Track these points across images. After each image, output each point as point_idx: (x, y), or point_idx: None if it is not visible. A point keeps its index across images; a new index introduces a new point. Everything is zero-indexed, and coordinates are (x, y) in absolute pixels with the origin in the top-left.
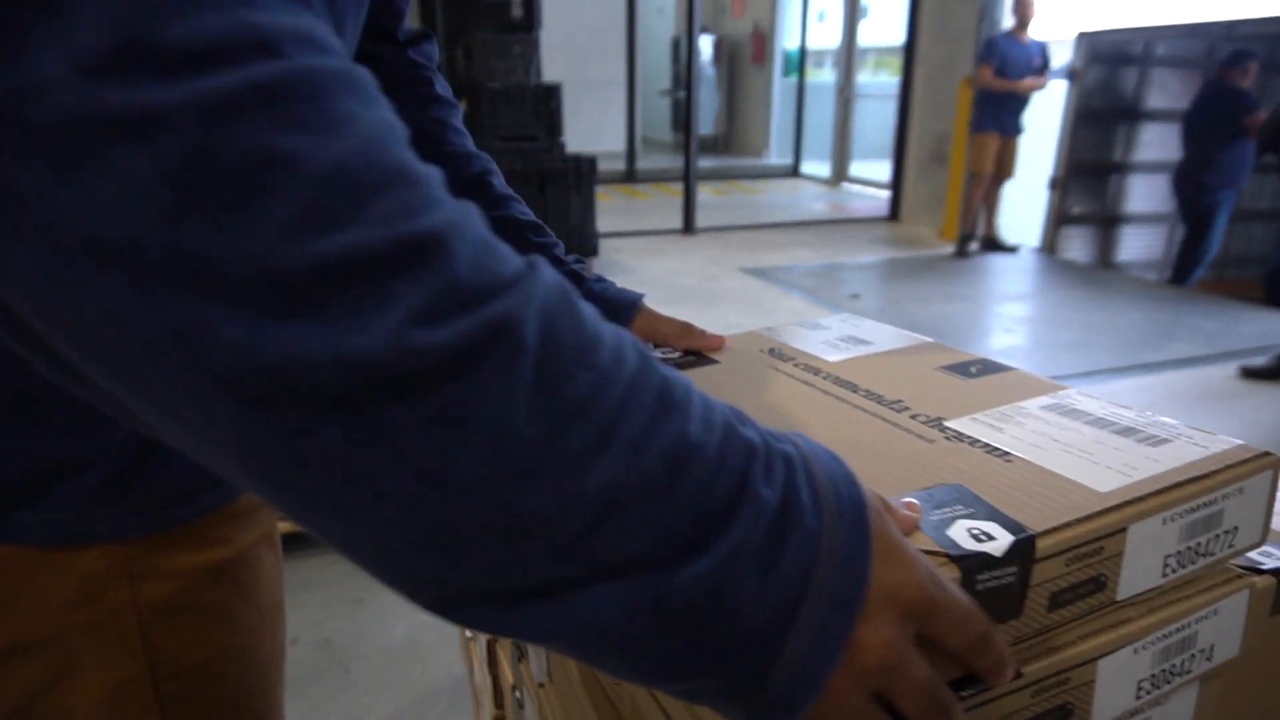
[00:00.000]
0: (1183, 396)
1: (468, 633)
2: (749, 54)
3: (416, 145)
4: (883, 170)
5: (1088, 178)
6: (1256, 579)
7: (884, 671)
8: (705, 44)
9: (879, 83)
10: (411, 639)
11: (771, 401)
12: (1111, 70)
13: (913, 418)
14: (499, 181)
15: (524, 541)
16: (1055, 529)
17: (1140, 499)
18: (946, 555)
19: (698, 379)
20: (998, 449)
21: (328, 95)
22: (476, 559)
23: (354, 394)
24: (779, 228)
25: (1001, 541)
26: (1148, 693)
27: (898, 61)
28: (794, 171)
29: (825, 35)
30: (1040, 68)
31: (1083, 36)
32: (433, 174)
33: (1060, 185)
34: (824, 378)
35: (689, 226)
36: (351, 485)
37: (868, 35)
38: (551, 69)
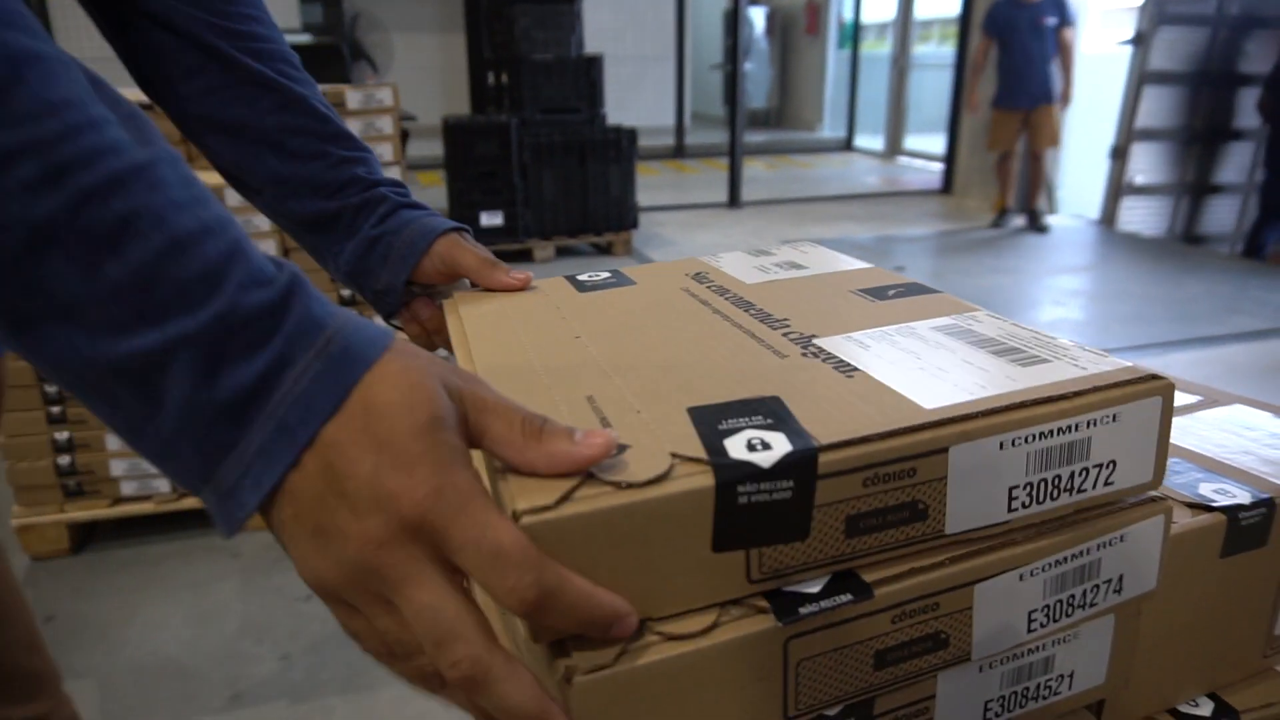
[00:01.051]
0: (1244, 370)
1: None
2: (802, 25)
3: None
4: (938, 143)
5: (1151, 147)
6: (1205, 514)
7: (372, 573)
8: (758, 16)
9: (938, 53)
10: None
11: (648, 322)
12: (1180, 33)
13: (784, 335)
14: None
15: None
16: (846, 443)
17: (967, 417)
18: (706, 462)
19: (589, 303)
20: (847, 364)
21: None
22: None
23: None
24: (827, 201)
25: (775, 452)
26: (1043, 625)
27: (949, 30)
28: (847, 145)
29: (882, 6)
30: (1057, 25)
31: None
32: None
33: (1121, 155)
34: (726, 298)
35: (734, 200)
36: None
37: (928, 6)
38: (603, 43)
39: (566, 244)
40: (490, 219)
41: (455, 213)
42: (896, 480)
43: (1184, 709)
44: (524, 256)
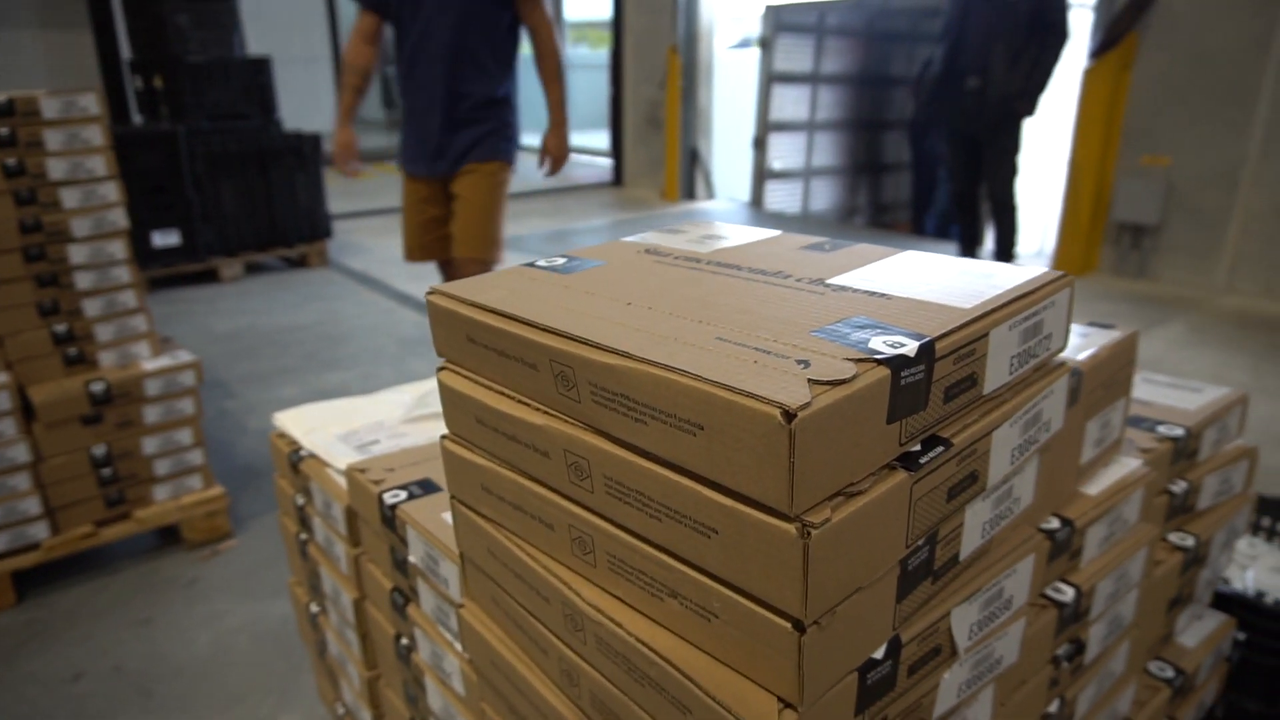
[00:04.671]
0: None
1: (313, 607)
2: None
3: None
4: (600, 139)
5: (784, 136)
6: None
7: None
8: None
9: (593, 55)
10: (218, 647)
11: (670, 285)
12: (794, 39)
13: (797, 281)
14: None
15: None
16: (944, 334)
17: (994, 310)
18: (875, 361)
19: (588, 279)
20: (876, 292)
21: None
22: None
23: None
24: (510, 199)
25: (912, 346)
26: (1014, 459)
27: (598, 34)
28: None
29: None
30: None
31: (769, 10)
32: None
33: (761, 144)
34: (706, 264)
35: None
36: None
37: (577, 9)
38: (255, 44)
39: (256, 260)
40: (164, 239)
41: None
42: (967, 359)
43: (1043, 526)
44: (209, 277)
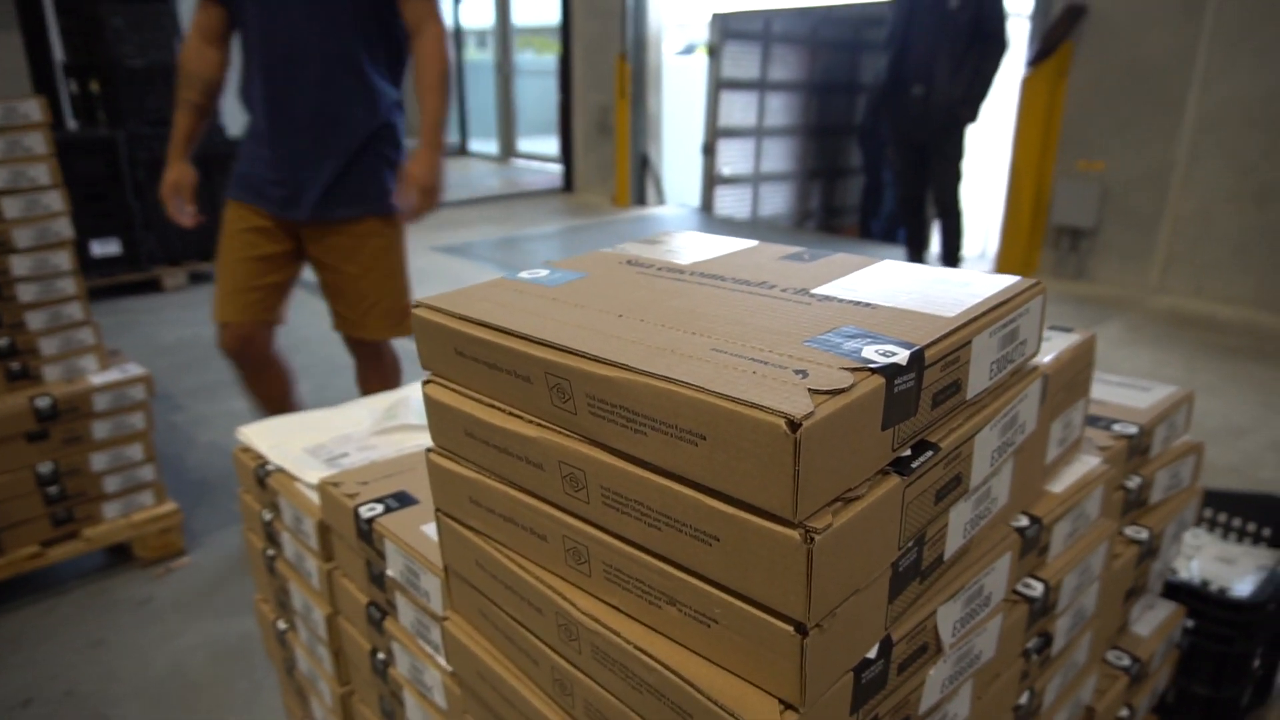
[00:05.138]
0: None
1: (280, 624)
2: None
3: None
4: (549, 145)
5: (733, 142)
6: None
7: None
8: None
9: (540, 60)
10: (176, 667)
11: (657, 297)
12: (741, 46)
13: (782, 291)
14: None
15: None
16: (932, 343)
17: (976, 319)
18: (869, 370)
19: (574, 291)
20: (861, 302)
21: None
22: None
23: None
24: (459, 206)
25: (903, 354)
26: (993, 461)
27: (543, 40)
28: (462, 150)
29: (478, 15)
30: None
31: (716, 17)
32: None
33: (710, 151)
34: (689, 275)
35: None
36: None
37: (525, 14)
38: None
39: (200, 269)
40: (104, 248)
41: None
42: (952, 365)
43: (1014, 524)
44: (151, 286)
